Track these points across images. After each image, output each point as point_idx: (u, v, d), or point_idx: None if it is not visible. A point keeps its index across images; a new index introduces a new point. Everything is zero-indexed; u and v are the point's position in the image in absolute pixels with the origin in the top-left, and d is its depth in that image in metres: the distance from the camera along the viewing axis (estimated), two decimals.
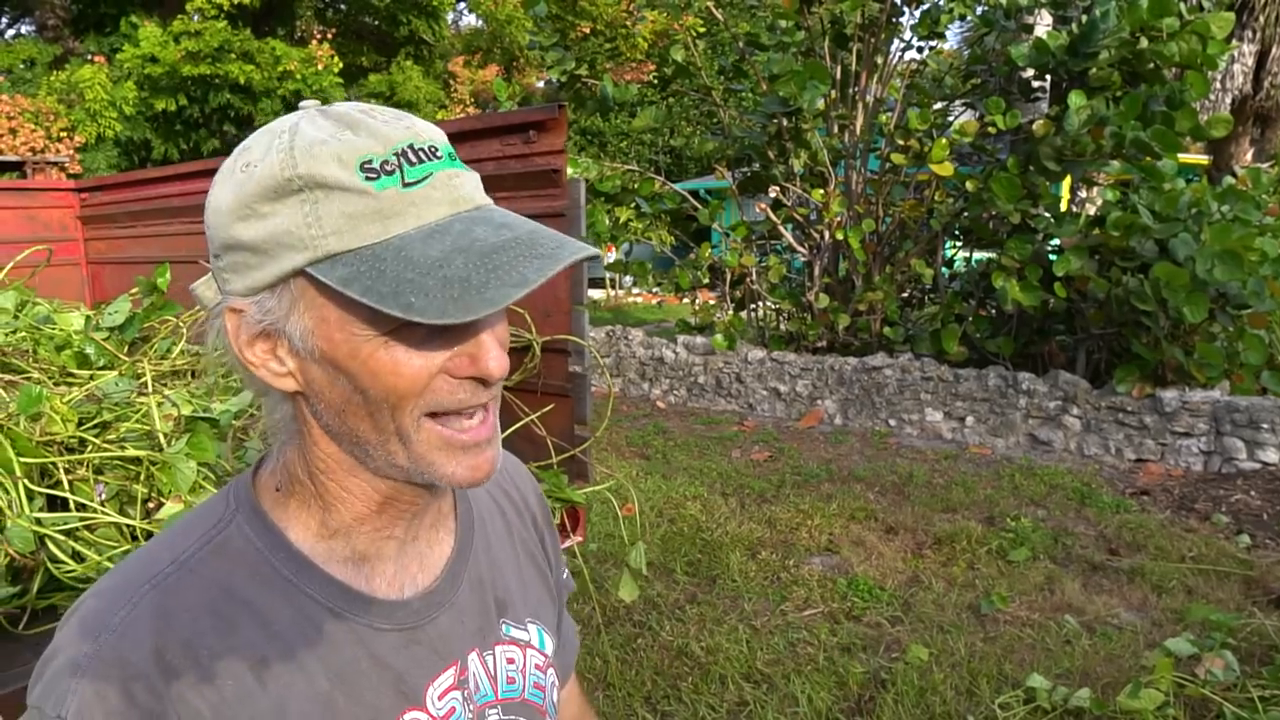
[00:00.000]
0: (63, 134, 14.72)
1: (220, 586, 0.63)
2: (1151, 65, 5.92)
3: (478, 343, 0.60)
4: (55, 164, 9.71)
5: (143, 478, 1.67)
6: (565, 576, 0.92)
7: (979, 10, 7.33)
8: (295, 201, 0.56)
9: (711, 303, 8.31)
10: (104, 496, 1.69)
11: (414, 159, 0.58)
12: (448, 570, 0.73)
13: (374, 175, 0.56)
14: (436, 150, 0.59)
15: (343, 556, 0.67)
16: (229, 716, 0.60)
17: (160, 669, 0.59)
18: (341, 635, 0.65)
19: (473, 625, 0.74)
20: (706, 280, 8.00)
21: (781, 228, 7.61)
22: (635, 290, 16.58)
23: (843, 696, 2.94)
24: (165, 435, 1.69)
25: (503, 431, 2.45)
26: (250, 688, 0.61)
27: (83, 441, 1.75)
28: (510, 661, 0.77)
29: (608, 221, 7.02)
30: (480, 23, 23.92)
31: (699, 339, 7.72)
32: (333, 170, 0.56)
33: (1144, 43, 5.82)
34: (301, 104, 0.63)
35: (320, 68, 16.57)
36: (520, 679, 0.77)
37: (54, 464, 1.66)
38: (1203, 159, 11.56)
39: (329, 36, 17.82)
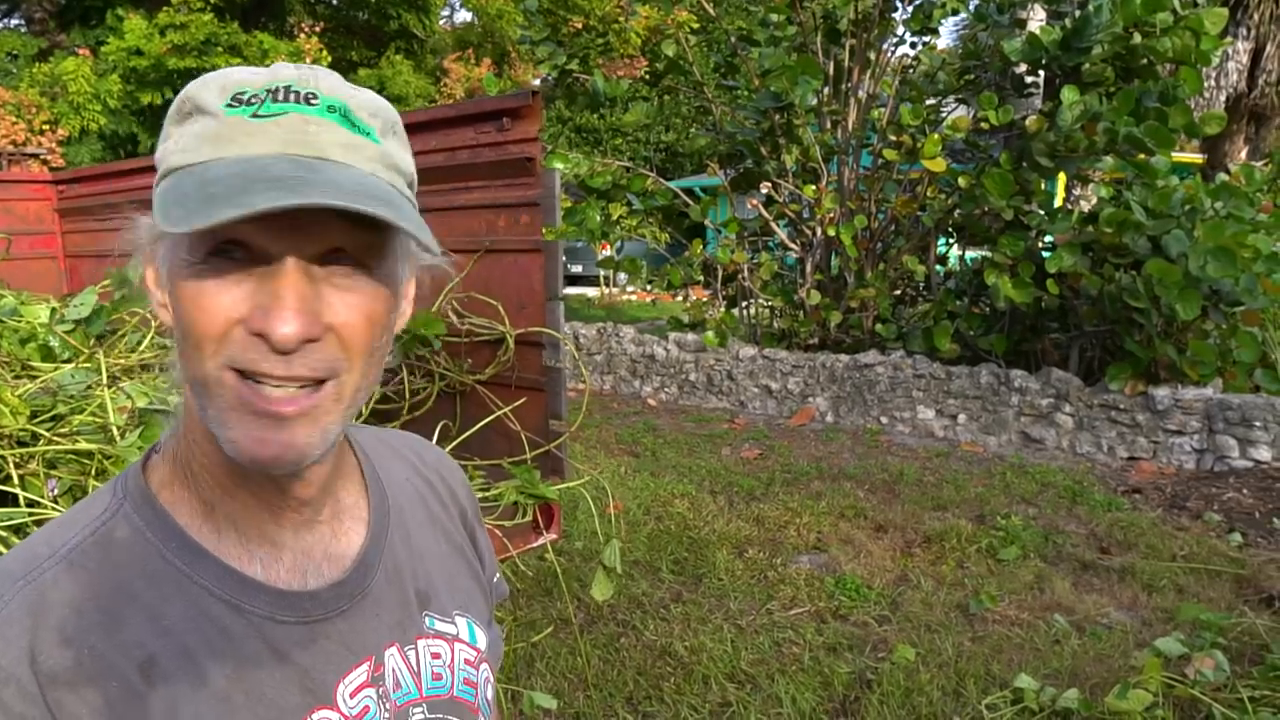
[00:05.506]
0: (45, 127, 14.59)
1: (105, 580, 0.58)
2: (1145, 61, 5.89)
3: (273, 294, 0.53)
4: (35, 156, 9.59)
5: (95, 472, 1.61)
6: (497, 580, 0.87)
7: (972, 5, 7.29)
8: (182, 124, 0.58)
9: (704, 300, 8.26)
10: (55, 492, 1.62)
11: (281, 97, 0.55)
12: (359, 560, 0.68)
13: (236, 105, 0.56)
14: (314, 98, 0.56)
15: (234, 542, 0.62)
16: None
17: (34, 671, 0.54)
18: (239, 629, 0.60)
19: (390, 618, 0.69)
20: (699, 277, 7.95)
21: (774, 224, 7.56)
22: (630, 288, 16.50)
23: (827, 697, 2.90)
24: (119, 428, 1.62)
25: (474, 425, 2.40)
26: (138, 688, 0.56)
27: (35, 435, 1.68)
28: (436, 656, 0.72)
29: (599, 218, 6.95)
30: (472, 17, 23.85)
31: (690, 336, 7.66)
32: (209, 96, 0.57)
33: (1137, 38, 5.79)
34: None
35: (309, 61, 16.44)
36: (448, 675, 0.72)
37: (3, 458, 1.60)
38: (1198, 158, 11.55)
39: (318, 30, 17.70)
